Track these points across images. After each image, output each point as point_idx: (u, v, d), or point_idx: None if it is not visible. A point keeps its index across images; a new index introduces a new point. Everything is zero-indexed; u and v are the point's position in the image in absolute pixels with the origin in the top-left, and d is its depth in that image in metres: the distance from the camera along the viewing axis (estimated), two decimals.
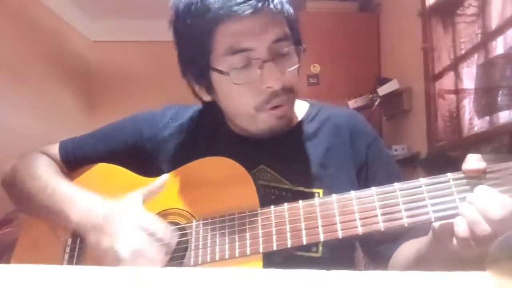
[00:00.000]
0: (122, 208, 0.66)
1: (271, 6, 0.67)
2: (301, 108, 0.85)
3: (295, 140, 0.81)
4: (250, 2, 0.65)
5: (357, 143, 0.80)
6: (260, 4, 0.65)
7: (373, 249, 0.78)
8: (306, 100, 0.88)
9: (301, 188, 0.75)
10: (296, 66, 0.72)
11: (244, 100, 0.71)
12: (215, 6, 0.65)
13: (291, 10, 0.72)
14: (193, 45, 0.71)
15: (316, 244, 0.73)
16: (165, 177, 0.72)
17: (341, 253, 0.75)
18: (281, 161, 0.78)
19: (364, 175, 0.79)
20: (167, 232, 0.64)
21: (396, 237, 0.74)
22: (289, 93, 0.72)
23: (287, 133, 0.80)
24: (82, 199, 0.71)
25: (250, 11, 0.65)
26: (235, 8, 0.64)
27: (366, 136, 0.82)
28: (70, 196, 0.72)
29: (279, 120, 0.74)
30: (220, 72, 0.69)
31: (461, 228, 0.54)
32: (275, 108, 0.72)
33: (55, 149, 0.87)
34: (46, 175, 0.79)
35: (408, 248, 0.71)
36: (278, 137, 0.79)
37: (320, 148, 0.80)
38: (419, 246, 0.66)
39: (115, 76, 3.71)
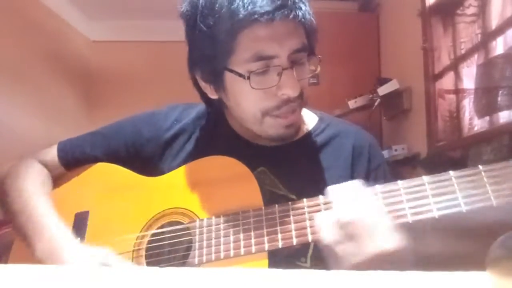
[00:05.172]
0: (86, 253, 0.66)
1: (299, 14, 0.67)
2: (309, 121, 0.84)
3: (297, 151, 0.80)
4: (281, 9, 0.64)
5: (359, 166, 0.78)
6: (292, 13, 0.65)
7: None
8: (315, 113, 0.87)
9: (294, 197, 0.74)
10: (309, 75, 0.73)
11: (253, 103, 0.71)
12: (242, 10, 0.63)
13: (313, 21, 0.72)
14: (212, 45, 0.68)
15: (305, 255, 0.73)
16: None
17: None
18: (280, 168, 0.77)
19: None
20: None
21: None
22: (299, 99, 0.72)
23: (291, 143, 0.79)
24: (47, 235, 0.70)
25: (279, 18, 0.64)
26: (266, 15, 0.63)
27: (371, 160, 0.79)
28: (39, 229, 0.71)
29: (288, 129, 0.73)
30: (239, 75, 0.68)
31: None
32: (283, 117, 0.71)
33: (52, 152, 0.86)
34: (27, 195, 0.77)
35: None
36: (280, 145, 0.78)
37: (319, 165, 0.78)
38: None
39: (115, 76, 3.71)
